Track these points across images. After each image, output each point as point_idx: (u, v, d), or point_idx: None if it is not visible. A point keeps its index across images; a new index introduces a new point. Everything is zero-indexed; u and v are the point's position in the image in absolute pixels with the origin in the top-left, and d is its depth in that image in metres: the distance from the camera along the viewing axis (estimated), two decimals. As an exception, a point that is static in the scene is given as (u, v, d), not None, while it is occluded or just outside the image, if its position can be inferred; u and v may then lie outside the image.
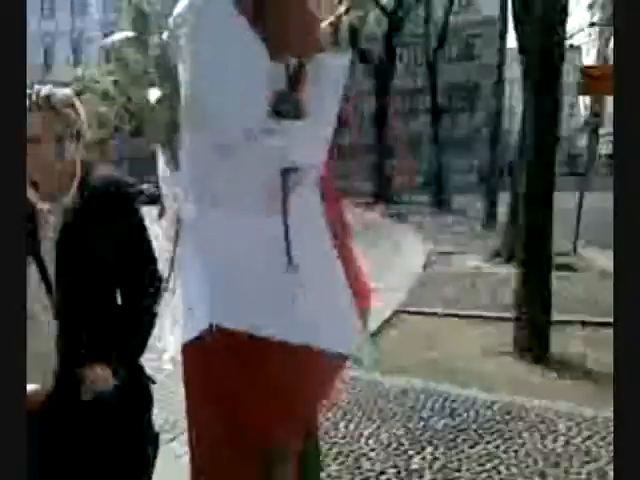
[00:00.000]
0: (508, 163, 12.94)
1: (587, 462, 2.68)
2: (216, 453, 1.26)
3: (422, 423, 3.11)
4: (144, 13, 1.21)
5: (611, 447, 2.79)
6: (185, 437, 1.42)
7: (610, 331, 4.65)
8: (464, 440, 2.94)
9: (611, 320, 4.60)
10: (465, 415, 3.21)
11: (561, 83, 4.51)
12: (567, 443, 2.86)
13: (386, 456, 2.75)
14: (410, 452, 2.80)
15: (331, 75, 1.15)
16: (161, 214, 1.21)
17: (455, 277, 7.15)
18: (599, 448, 2.79)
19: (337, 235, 1.23)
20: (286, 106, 1.11)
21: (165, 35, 1.17)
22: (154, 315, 1.52)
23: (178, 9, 1.15)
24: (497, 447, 2.86)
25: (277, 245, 1.14)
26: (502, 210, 8.55)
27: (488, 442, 2.91)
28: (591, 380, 3.65)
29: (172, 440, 2.75)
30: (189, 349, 1.22)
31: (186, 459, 1.41)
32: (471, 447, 2.87)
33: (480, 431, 3.02)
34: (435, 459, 2.76)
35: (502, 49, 11.71)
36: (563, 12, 4.39)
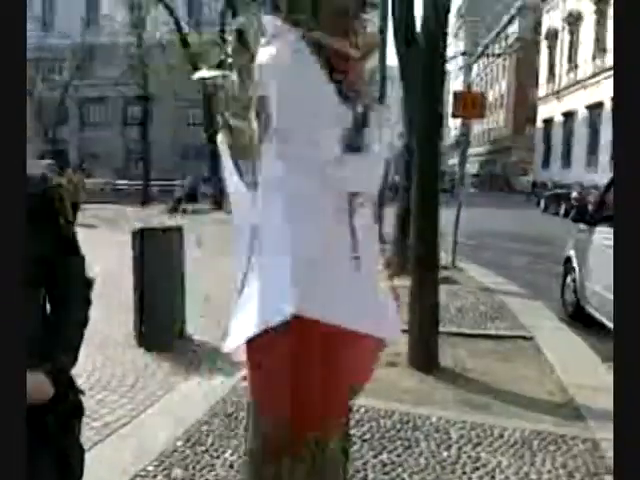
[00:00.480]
0: (392, 180, 13.53)
1: (477, 468, 2.94)
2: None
3: (328, 435, 3.21)
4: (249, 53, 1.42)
5: (498, 452, 3.09)
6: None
7: (493, 342, 5.05)
8: (368, 450, 3.09)
9: (492, 332, 4.98)
10: (368, 425, 3.37)
11: (442, 107, 4.86)
12: (459, 450, 3.11)
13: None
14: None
15: (387, 121, 1.49)
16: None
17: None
18: (487, 454, 3.07)
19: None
20: (353, 142, 1.39)
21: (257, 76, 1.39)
22: (84, 324, 1.51)
23: (263, 57, 1.37)
24: (399, 456, 3.04)
25: (347, 250, 1.41)
26: (389, 222, 8.96)
27: (390, 451, 3.08)
28: (477, 389, 3.99)
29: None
30: (265, 335, 1.41)
31: None
32: (375, 456, 3.03)
33: (382, 440, 3.19)
34: (343, 470, 2.87)
35: (383, 68, 12.25)
36: (444, 39, 4.73)
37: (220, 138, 1.52)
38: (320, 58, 1.34)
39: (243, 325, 1.48)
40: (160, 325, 4.99)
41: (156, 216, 16.94)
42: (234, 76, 1.43)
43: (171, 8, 21.92)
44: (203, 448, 3.12)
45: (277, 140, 1.36)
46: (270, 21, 1.37)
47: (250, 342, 1.47)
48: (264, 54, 1.37)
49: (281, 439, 1.49)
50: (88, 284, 1.57)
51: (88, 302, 1.56)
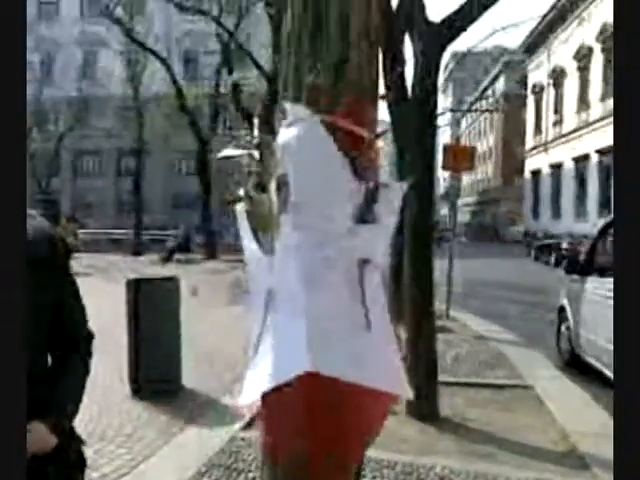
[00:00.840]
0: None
1: (484, 518, 2.90)
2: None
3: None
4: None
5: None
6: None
7: (491, 391, 5.04)
8: (373, 501, 3.04)
9: (491, 381, 5.00)
10: (370, 476, 3.32)
11: (435, 161, 5.01)
12: (464, 500, 3.07)
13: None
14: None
15: (394, 197, 1.59)
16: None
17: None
18: (493, 503, 3.03)
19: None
20: (364, 216, 1.51)
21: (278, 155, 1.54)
22: (86, 374, 1.53)
23: (284, 138, 1.51)
24: (404, 507, 2.99)
25: (358, 312, 1.49)
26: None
27: (395, 502, 3.03)
28: (479, 438, 3.95)
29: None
30: (281, 389, 1.47)
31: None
32: (380, 508, 2.98)
33: (386, 492, 3.14)
34: (348, 522, 2.82)
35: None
36: (435, 96, 4.92)
37: (239, 207, 1.65)
38: (336, 139, 1.48)
39: (258, 380, 1.54)
40: (156, 375, 4.94)
41: (149, 266, 16.89)
42: (256, 154, 1.58)
43: (167, 63, 22.52)
44: (203, 500, 3.06)
45: (294, 212, 1.48)
46: (292, 107, 1.53)
47: (265, 396, 1.53)
48: (285, 134, 1.51)
49: None
50: (90, 336, 1.60)
51: (90, 354, 1.59)
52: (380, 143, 1.61)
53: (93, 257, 19.38)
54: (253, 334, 1.59)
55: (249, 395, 1.58)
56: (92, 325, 1.60)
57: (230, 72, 20.88)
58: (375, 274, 1.55)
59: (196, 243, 24.15)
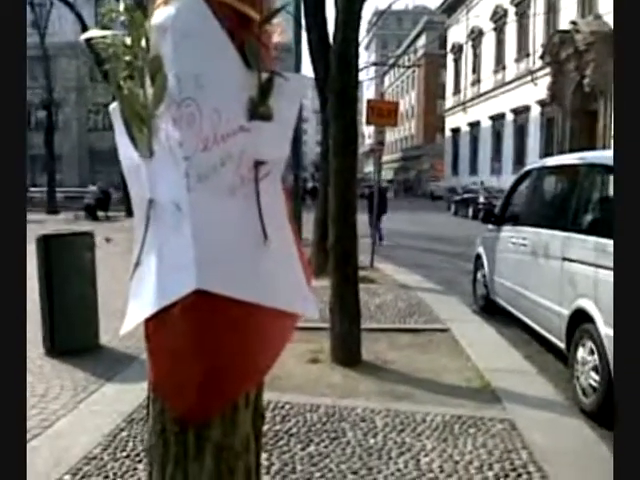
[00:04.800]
0: (311, 186, 13.73)
1: (402, 453, 3.00)
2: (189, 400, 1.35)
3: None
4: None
5: (422, 437, 3.17)
6: None
7: (412, 335, 5.22)
8: (296, 444, 3.08)
9: (412, 326, 5.15)
10: (294, 420, 3.36)
11: (356, 112, 5.00)
12: (385, 437, 3.17)
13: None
14: (247, 460, 2.84)
15: (293, 87, 1.38)
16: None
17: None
18: (412, 439, 3.15)
19: (290, 220, 1.46)
20: (258, 110, 1.30)
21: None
22: None
23: (159, 19, 1.26)
24: (326, 447, 3.05)
25: (253, 223, 1.33)
26: (307, 228, 9.07)
27: (318, 443, 3.09)
28: (399, 379, 4.09)
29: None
30: (168, 312, 1.31)
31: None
32: (303, 449, 3.02)
33: (309, 433, 3.19)
34: (271, 464, 2.85)
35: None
36: (356, 48, 4.87)
37: (112, 106, 1.41)
38: (220, 19, 1.26)
39: (141, 304, 1.38)
40: (71, 334, 4.74)
41: (64, 224, 16.06)
42: (127, 38, 1.32)
43: (72, 5, 20.80)
44: (124, 454, 2.99)
45: (173, 105, 1.25)
46: None
47: (149, 322, 1.37)
48: (160, 14, 1.27)
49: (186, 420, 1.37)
50: None
51: None
52: (276, 27, 1.39)
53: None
54: (134, 253, 1.41)
55: (132, 320, 1.41)
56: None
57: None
58: (273, 176, 1.37)
59: (116, 200, 23.18)
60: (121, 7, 1.30)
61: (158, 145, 1.31)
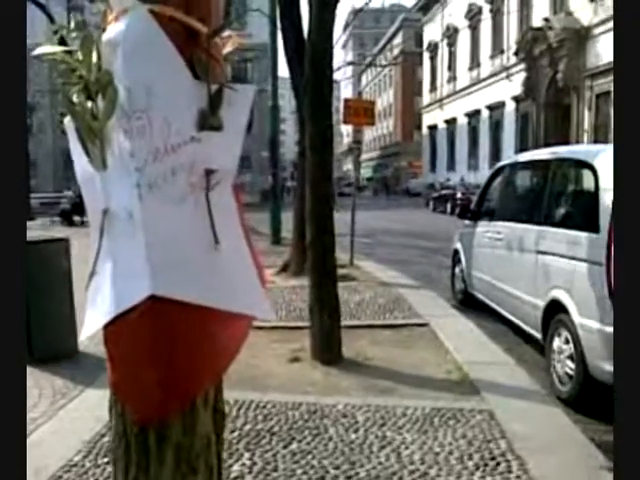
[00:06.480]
0: (287, 185, 13.73)
1: (384, 446, 3.04)
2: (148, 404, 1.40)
3: (237, 432, 3.19)
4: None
5: (402, 430, 3.21)
6: None
7: (392, 331, 5.25)
8: (278, 442, 3.09)
9: (392, 322, 5.19)
10: (276, 419, 3.37)
11: (332, 113, 5.02)
12: (366, 432, 3.20)
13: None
14: (229, 461, 2.85)
15: (242, 98, 1.43)
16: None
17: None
18: (392, 432, 3.18)
19: (243, 226, 1.50)
20: (208, 120, 1.35)
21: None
22: None
23: (110, 34, 1.31)
24: (308, 444, 3.07)
25: (205, 229, 1.37)
26: (287, 227, 9.06)
27: (300, 440, 3.10)
28: (380, 375, 4.12)
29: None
30: (124, 318, 1.36)
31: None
32: (285, 447, 3.03)
33: (291, 431, 3.21)
34: (254, 464, 2.86)
35: (275, 75, 12.41)
36: (330, 50, 4.91)
37: (67, 119, 1.45)
38: (169, 33, 1.30)
39: (98, 312, 1.43)
40: (49, 341, 4.69)
41: (40, 230, 15.85)
42: (79, 54, 1.34)
43: (43, 6, 20.44)
44: (105, 460, 2.97)
45: (124, 117, 1.30)
46: None
47: (107, 328, 1.41)
48: (112, 30, 1.32)
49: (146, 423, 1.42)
50: None
51: None
52: (227, 40, 1.43)
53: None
54: (90, 262, 1.44)
55: (90, 328, 1.46)
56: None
57: None
58: (224, 185, 1.41)
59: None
60: (72, 24, 1.35)
61: (112, 156, 1.35)
